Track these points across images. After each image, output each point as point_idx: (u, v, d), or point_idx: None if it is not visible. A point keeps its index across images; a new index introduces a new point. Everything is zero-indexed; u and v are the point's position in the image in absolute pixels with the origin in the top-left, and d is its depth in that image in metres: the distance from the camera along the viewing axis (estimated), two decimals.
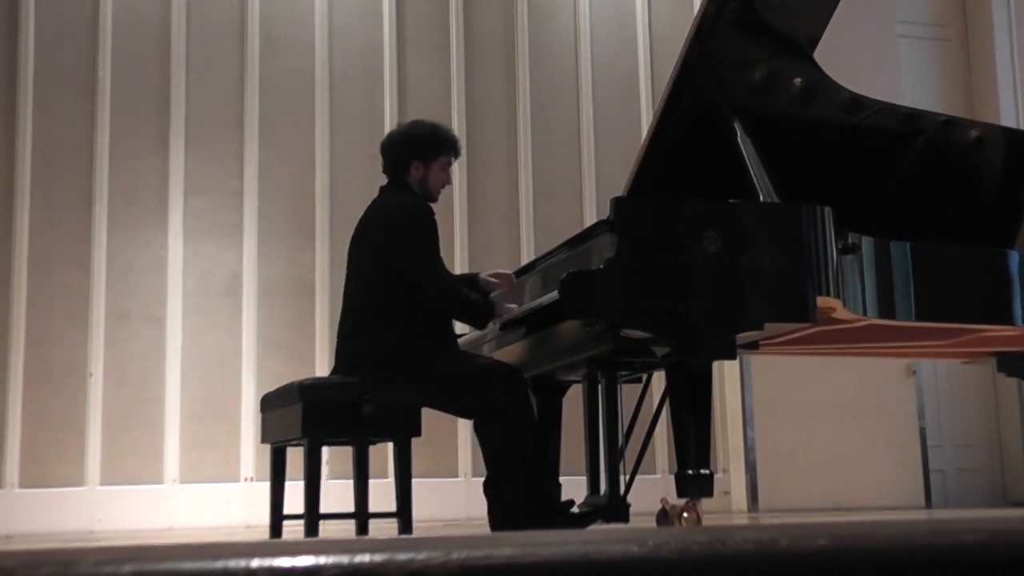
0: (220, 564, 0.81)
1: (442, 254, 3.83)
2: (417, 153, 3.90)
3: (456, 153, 4.00)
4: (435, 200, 3.95)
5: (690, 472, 3.25)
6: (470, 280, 4.07)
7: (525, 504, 3.65)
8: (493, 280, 4.04)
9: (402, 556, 0.83)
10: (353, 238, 3.99)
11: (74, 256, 6.21)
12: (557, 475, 4.12)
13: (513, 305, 3.90)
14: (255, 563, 0.81)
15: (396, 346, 3.73)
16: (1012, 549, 0.94)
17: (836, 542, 0.91)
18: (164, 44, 6.55)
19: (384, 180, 3.98)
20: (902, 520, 1.06)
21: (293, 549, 0.83)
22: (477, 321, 3.89)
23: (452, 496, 6.48)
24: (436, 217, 3.82)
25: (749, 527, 0.94)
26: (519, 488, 3.66)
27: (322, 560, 0.82)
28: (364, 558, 0.83)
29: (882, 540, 0.92)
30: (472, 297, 3.82)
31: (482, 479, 3.71)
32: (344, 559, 0.83)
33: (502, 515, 3.69)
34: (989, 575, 0.93)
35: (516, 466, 3.67)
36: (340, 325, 3.95)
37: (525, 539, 0.88)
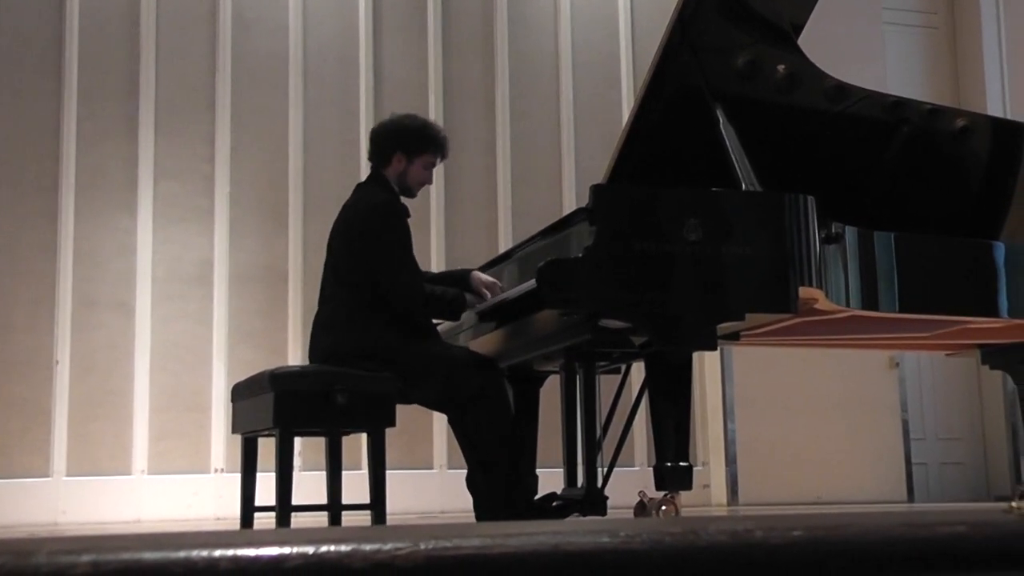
0: (182, 554, 0.80)
1: (417, 242, 3.80)
2: (402, 145, 3.90)
3: (443, 155, 3.99)
4: (413, 196, 3.97)
5: (669, 464, 3.23)
6: (461, 277, 4.00)
7: (502, 495, 3.65)
8: (486, 284, 3.91)
9: (368, 547, 0.83)
10: (331, 234, 4.02)
11: (39, 241, 6.13)
12: (534, 467, 4.10)
13: (489, 285, 3.85)
14: (217, 554, 0.80)
15: (369, 336, 3.74)
16: (987, 541, 0.95)
17: (811, 534, 0.92)
18: (133, 23, 6.46)
19: (363, 173, 3.98)
20: (877, 512, 1.06)
21: (257, 540, 0.82)
22: (447, 315, 3.89)
23: (427, 488, 6.44)
24: (409, 216, 3.81)
25: (723, 518, 0.94)
26: (495, 479, 3.67)
27: (286, 551, 0.81)
28: (329, 548, 0.82)
29: (857, 532, 0.93)
30: (438, 292, 3.80)
31: (457, 471, 3.69)
32: (309, 549, 0.82)
33: (484, 510, 3.70)
34: (964, 566, 0.95)
35: (492, 456, 3.68)
36: (316, 316, 3.97)
37: (494, 530, 0.88)
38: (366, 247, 3.76)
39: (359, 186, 4.02)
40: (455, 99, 6.98)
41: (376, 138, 3.96)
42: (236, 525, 4.24)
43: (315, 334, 3.93)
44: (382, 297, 3.75)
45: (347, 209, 3.97)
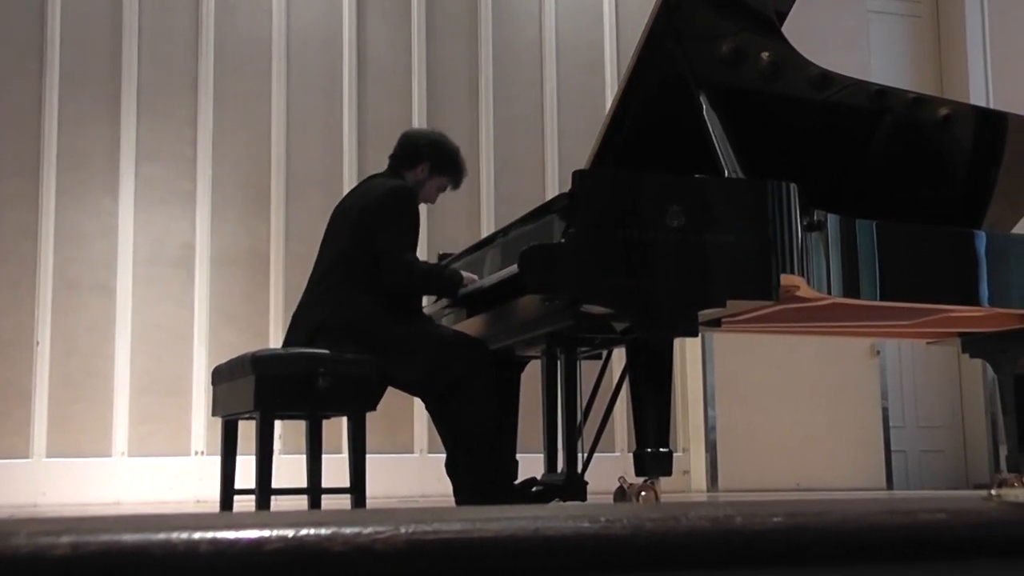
0: (162, 536, 0.79)
1: None
2: (433, 157, 4.01)
3: (457, 185, 4.11)
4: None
5: (649, 450, 3.25)
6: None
7: (482, 480, 3.65)
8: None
9: (348, 530, 0.82)
10: (334, 214, 4.04)
11: (21, 222, 6.10)
12: (514, 452, 4.10)
13: (474, 276, 3.88)
14: (197, 536, 0.80)
15: (358, 311, 3.75)
16: (967, 529, 0.95)
17: (791, 520, 0.91)
18: (116, 4, 6.43)
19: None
20: (857, 499, 1.05)
21: (237, 522, 0.82)
22: (444, 291, 3.96)
23: (407, 472, 6.44)
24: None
25: (703, 504, 0.95)
26: (476, 464, 3.67)
27: (266, 533, 0.81)
28: (309, 532, 0.81)
29: (837, 519, 0.92)
30: (426, 266, 3.90)
31: (438, 455, 3.68)
32: (288, 532, 0.81)
33: (464, 494, 3.70)
34: (944, 554, 0.94)
35: (475, 441, 3.68)
36: (304, 295, 3.97)
37: (474, 514, 0.87)
38: (377, 224, 3.78)
39: (375, 175, 4.07)
40: (439, 84, 6.96)
41: (410, 142, 4.04)
42: (216, 508, 4.23)
43: (301, 311, 3.92)
44: (377, 276, 3.75)
45: (358, 193, 3.99)
